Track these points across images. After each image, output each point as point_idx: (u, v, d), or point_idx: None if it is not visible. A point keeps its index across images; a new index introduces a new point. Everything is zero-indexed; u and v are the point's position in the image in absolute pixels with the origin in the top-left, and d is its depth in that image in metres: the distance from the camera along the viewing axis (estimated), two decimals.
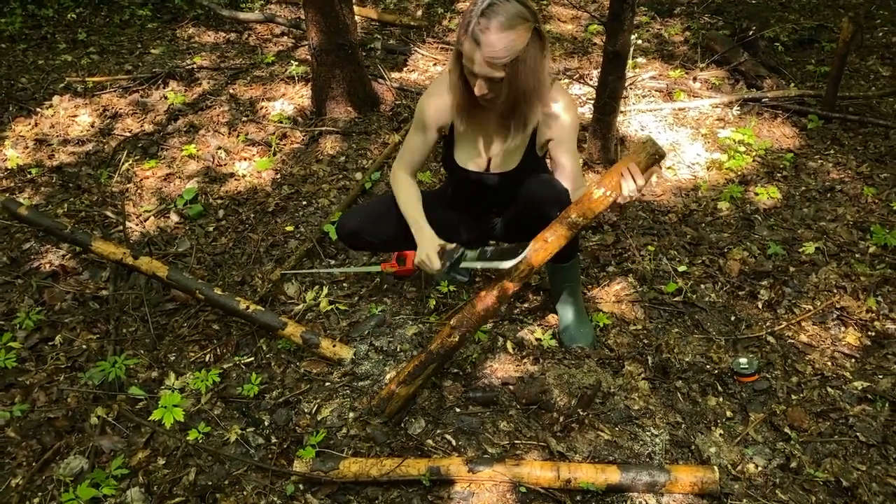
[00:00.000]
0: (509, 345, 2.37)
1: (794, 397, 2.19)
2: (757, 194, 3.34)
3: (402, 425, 2.11)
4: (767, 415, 2.12)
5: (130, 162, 3.55)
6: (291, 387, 2.27)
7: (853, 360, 2.34)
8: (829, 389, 2.21)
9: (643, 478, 1.84)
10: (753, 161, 3.61)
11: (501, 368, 2.28)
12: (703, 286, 2.69)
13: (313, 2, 3.64)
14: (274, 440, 2.09)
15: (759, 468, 1.94)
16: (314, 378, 2.30)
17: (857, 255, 2.88)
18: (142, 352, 2.45)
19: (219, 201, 3.31)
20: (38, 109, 4.10)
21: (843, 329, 2.47)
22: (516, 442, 2.04)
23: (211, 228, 3.13)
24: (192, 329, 2.53)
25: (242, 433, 2.10)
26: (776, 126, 4.15)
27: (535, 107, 2.03)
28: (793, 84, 4.71)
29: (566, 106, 2.12)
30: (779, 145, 3.87)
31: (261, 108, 4.12)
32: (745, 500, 1.85)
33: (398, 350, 2.38)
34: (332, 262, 2.90)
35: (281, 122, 3.92)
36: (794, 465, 1.95)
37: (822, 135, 4.07)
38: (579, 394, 2.17)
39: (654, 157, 1.76)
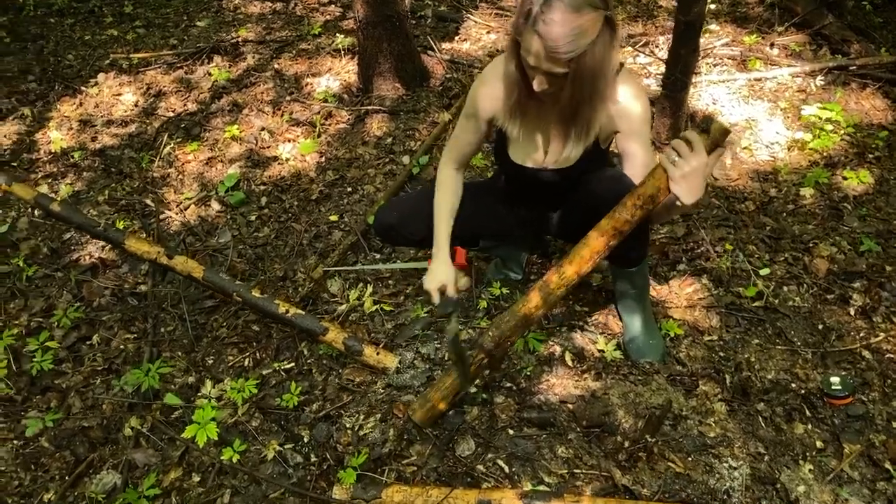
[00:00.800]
0: (568, 356, 2.16)
1: (895, 425, 1.92)
2: (846, 178, 3.01)
3: (451, 445, 1.93)
4: (865, 447, 1.86)
5: (172, 145, 3.43)
6: (332, 398, 2.13)
7: None
8: None
9: None
10: (841, 140, 3.25)
11: (559, 384, 2.08)
12: (786, 288, 2.41)
13: None
14: (313, 459, 1.96)
15: None
16: (356, 389, 2.15)
17: None
18: (179, 354, 2.34)
19: (261, 188, 3.16)
20: (84, 88, 4.02)
21: None
22: (576, 471, 1.85)
23: (253, 217, 2.99)
24: (232, 330, 2.41)
25: (280, 450, 1.97)
26: (865, 98, 3.75)
27: (599, 109, 1.79)
28: (884, 49, 4.25)
29: (635, 94, 1.86)
30: (869, 121, 3.49)
31: (306, 85, 3.94)
32: None
33: (446, 358, 2.20)
34: (378, 255, 2.73)
35: (326, 101, 3.73)
36: None
37: None
38: (647, 415, 1.95)
39: (714, 135, 1.51)
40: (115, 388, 2.19)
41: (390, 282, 2.58)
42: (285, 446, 1.99)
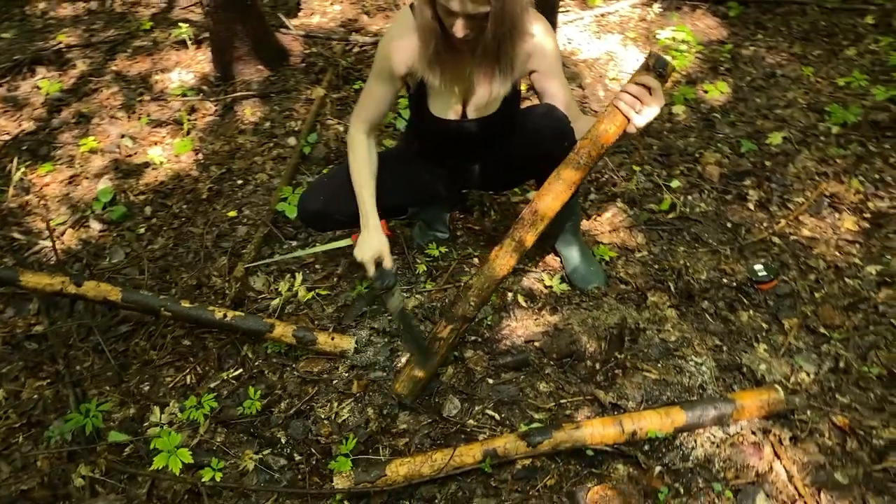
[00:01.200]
0: (521, 298, 2.19)
1: (817, 295, 2.15)
2: (706, 92, 3.26)
3: (435, 408, 1.91)
4: (801, 319, 2.06)
5: (23, 170, 3.04)
6: (297, 394, 2.02)
7: (858, 246, 2.32)
8: (847, 280, 2.19)
9: (710, 413, 1.74)
10: (695, 58, 3.51)
11: (521, 326, 2.11)
12: (690, 197, 2.60)
13: None
14: (297, 458, 1.85)
15: (812, 376, 1.89)
16: (319, 378, 2.05)
17: (822, 139, 2.86)
18: (108, 388, 2.11)
19: (141, 197, 2.90)
20: None
21: (838, 216, 2.45)
22: (562, 402, 1.90)
23: (142, 230, 2.73)
24: (161, 350, 2.20)
25: (260, 458, 1.84)
26: (698, 19, 4.08)
27: (519, 45, 1.78)
28: None
29: (546, 30, 1.89)
30: (709, 38, 3.80)
31: (156, 83, 3.63)
32: (809, 412, 1.79)
33: (398, 333, 2.16)
34: (294, 243, 2.60)
35: (185, 95, 3.47)
36: (842, 365, 1.91)
37: (744, 21, 4.03)
38: (608, 336, 2.04)
39: (660, 70, 1.58)
40: (50, 439, 1.94)
41: (317, 266, 2.48)
42: (263, 453, 1.86)
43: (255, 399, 1.99)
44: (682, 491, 1.63)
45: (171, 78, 3.64)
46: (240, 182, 2.94)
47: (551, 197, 1.73)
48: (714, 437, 1.75)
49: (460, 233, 2.54)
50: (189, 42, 3.85)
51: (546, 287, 2.24)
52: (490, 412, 1.89)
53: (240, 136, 3.19)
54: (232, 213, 2.76)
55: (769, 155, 2.79)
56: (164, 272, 2.53)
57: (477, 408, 1.90)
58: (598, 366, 1.98)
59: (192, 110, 3.39)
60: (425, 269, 2.35)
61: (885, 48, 3.55)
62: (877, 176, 2.59)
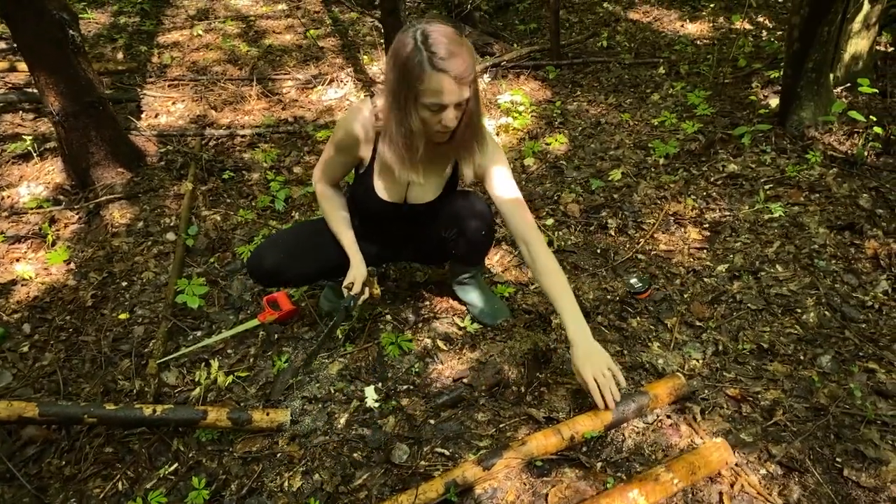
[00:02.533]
0: (440, 343, 2.35)
1: (686, 296, 2.50)
2: (548, 143, 3.69)
3: (385, 458, 1.99)
4: (678, 317, 2.40)
5: None
6: (243, 474, 2.00)
7: (705, 251, 2.74)
8: (706, 279, 2.57)
9: (631, 406, 1.98)
10: (532, 116, 3.96)
11: (447, 367, 2.26)
12: (560, 233, 2.92)
13: (44, 63, 3.12)
14: None
15: (701, 361, 2.21)
16: (262, 455, 2.05)
17: (653, 170, 3.34)
18: None
19: (15, 316, 2.73)
20: None
21: (684, 229, 2.87)
22: (501, 426, 2.05)
23: (26, 349, 2.57)
24: (83, 463, 2.08)
25: None
26: (524, 83, 4.60)
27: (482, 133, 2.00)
28: (515, 45, 5.23)
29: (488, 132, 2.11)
30: (537, 98, 4.29)
31: (4, 199, 3.45)
32: (706, 391, 2.09)
33: (333, 392, 2.23)
34: (199, 333, 2.58)
35: (42, 207, 3.33)
36: (721, 347, 2.25)
37: (562, 81, 4.60)
38: (524, 361, 2.25)
39: None
40: None
41: (229, 351, 2.48)
42: None
43: (200, 489, 1.95)
44: (625, 478, 1.83)
45: (20, 192, 3.48)
46: (124, 284, 2.87)
47: None
48: (637, 427, 1.99)
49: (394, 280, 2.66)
50: (33, 154, 3.70)
51: (460, 328, 2.41)
52: (439, 449, 1.99)
53: (113, 239, 3.12)
54: (123, 316, 2.69)
55: (615, 189, 3.21)
56: (64, 385, 2.40)
57: (425, 448, 2.00)
58: (523, 388, 2.16)
59: (52, 221, 3.26)
60: (341, 332, 2.44)
61: (680, 91, 4.22)
62: (705, 193, 3.08)
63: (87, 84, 3.29)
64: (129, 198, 3.36)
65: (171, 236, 3.11)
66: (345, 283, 2.17)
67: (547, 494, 1.81)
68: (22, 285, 2.87)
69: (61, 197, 3.42)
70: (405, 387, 2.20)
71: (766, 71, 4.21)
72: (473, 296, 2.44)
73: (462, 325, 2.42)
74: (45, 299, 2.80)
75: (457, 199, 2.20)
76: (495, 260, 2.77)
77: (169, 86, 4.87)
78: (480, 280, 2.48)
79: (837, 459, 1.82)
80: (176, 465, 2.07)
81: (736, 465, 1.82)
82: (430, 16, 5.84)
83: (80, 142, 3.36)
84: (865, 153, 3.18)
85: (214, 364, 2.36)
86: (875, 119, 3.20)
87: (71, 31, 3.20)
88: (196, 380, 2.33)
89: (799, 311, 2.37)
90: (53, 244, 3.10)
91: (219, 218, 3.23)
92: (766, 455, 1.86)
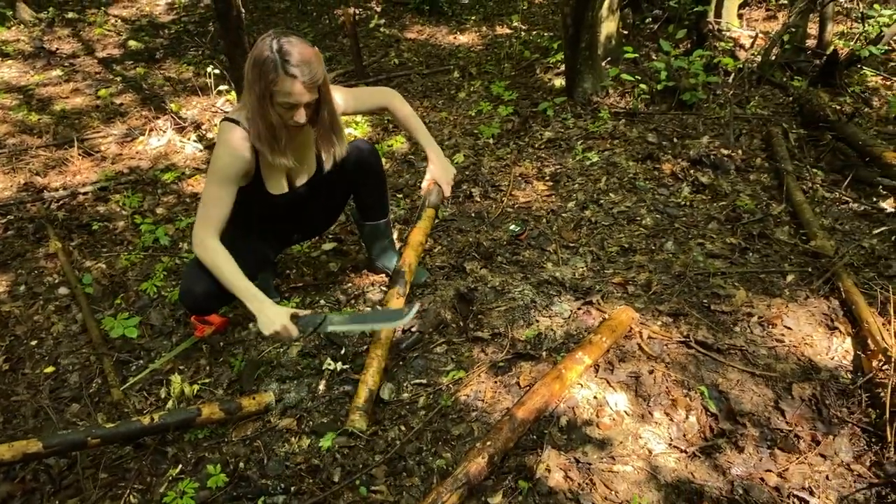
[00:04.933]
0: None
1: (554, 228, 3.11)
2: (391, 145, 4.17)
3: (378, 399, 2.30)
4: (557, 243, 2.99)
5: None
6: (250, 453, 2.19)
7: (554, 196, 3.38)
8: (564, 215, 3.21)
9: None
10: (369, 125, 4.41)
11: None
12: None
13: None
14: (294, 487, 2.06)
15: (585, 267, 2.81)
16: (261, 434, 2.26)
17: (488, 149, 3.96)
18: None
19: None
20: None
21: (532, 185, 3.50)
22: (460, 350, 2.47)
23: None
24: (76, 496, 2.12)
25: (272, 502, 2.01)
26: None
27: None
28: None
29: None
30: None
31: None
32: (598, 285, 2.69)
33: (301, 369, 2.48)
34: (140, 361, 2.67)
35: None
36: (595, 255, 2.88)
37: None
38: (454, 303, 2.69)
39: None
40: None
41: (181, 367, 2.60)
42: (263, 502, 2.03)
43: (216, 473, 2.12)
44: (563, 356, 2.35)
45: None
46: (34, 343, 2.82)
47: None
48: (560, 321, 2.52)
49: (288, 294, 2.92)
50: None
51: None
52: (416, 381, 2.36)
53: (1, 306, 3.02)
54: (49, 370, 2.67)
55: (464, 168, 3.77)
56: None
57: (405, 384, 2.36)
58: (461, 322, 2.60)
59: None
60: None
61: (480, 87, 4.94)
62: (535, 156, 3.76)
63: None
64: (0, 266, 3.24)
65: (63, 290, 3.08)
66: (267, 334, 2.16)
67: (517, 381, 2.27)
68: None
69: None
70: (364, 347, 2.52)
71: (543, 59, 5.07)
72: (393, 262, 2.82)
73: None
74: None
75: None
76: (395, 236, 3.17)
77: None
78: (394, 246, 2.86)
79: (704, 301, 2.50)
80: (180, 466, 2.20)
81: (640, 322, 2.42)
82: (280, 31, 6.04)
83: None
84: (640, 105, 4.07)
85: (176, 378, 2.49)
86: (639, 78, 4.12)
87: None
88: (162, 397, 2.44)
89: (638, 218, 3.09)
90: None
91: (104, 266, 3.26)
92: (656, 312, 2.48)
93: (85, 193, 4.04)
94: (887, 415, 1.99)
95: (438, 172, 2.62)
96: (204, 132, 4.79)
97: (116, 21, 7.81)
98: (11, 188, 4.14)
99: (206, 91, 5.35)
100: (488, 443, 1.95)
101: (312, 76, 2.06)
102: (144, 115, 5.30)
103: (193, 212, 3.73)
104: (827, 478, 1.92)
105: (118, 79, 6.24)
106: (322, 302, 2.80)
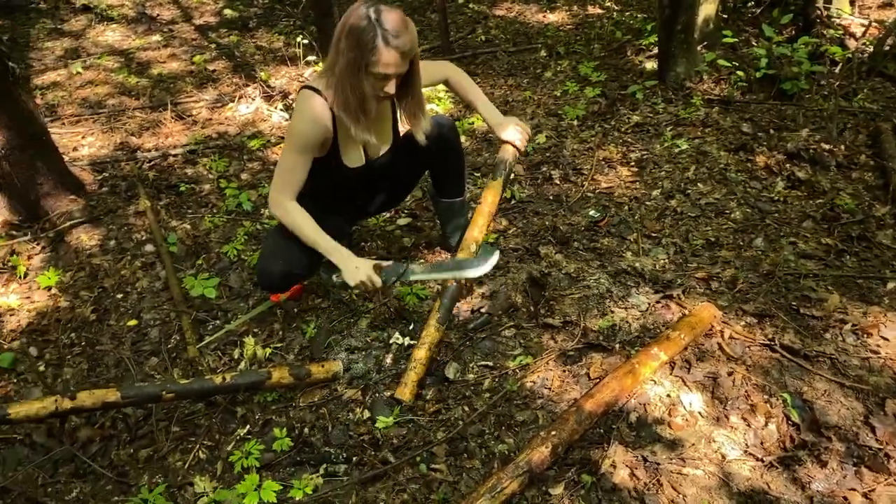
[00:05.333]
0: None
1: (636, 217, 3.00)
2: (471, 123, 4.11)
3: (441, 377, 2.29)
4: (638, 233, 2.88)
5: None
6: (315, 419, 2.23)
7: (638, 183, 3.26)
8: (647, 203, 3.09)
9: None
10: (451, 102, 4.37)
11: (463, 303, 2.59)
12: (514, 189, 3.34)
13: None
14: (355, 458, 2.08)
15: (667, 259, 2.70)
16: (327, 402, 2.29)
17: (571, 131, 3.85)
18: (119, 499, 2.07)
19: (16, 343, 2.74)
20: None
21: (615, 170, 3.39)
22: (529, 335, 2.42)
23: (42, 368, 2.61)
24: (157, 444, 2.21)
25: (323, 473, 2.03)
26: None
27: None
28: None
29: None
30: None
31: None
32: (680, 279, 2.57)
33: (370, 341, 2.49)
34: (217, 322, 2.74)
35: None
36: (678, 248, 2.76)
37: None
38: (525, 287, 2.63)
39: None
40: None
41: (256, 330, 2.66)
42: (323, 469, 2.05)
43: (282, 437, 2.16)
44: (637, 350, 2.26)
45: None
46: (120, 296, 2.94)
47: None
48: (636, 314, 2.43)
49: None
50: None
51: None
52: (482, 362, 2.33)
53: (90, 259, 3.16)
54: (132, 323, 2.78)
55: (545, 149, 3.68)
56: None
57: (471, 364, 2.33)
58: (532, 307, 2.54)
59: (13, 253, 3.24)
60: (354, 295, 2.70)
61: (567, 67, 4.80)
62: (621, 140, 3.63)
63: (30, 116, 3.30)
64: (92, 221, 3.39)
65: (149, 248, 3.20)
66: (352, 284, 2.23)
67: (587, 373, 2.20)
68: (12, 314, 2.87)
69: (14, 231, 3.38)
70: (450, 338, 2.50)
71: (635, 41, 4.88)
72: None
73: None
74: (41, 323, 2.82)
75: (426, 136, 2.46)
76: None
77: (68, 122, 4.81)
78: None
79: (793, 303, 2.36)
80: (248, 427, 2.25)
81: (722, 321, 2.30)
82: None
83: (26, 174, 3.34)
84: (735, 92, 3.86)
85: (250, 340, 2.54)
86: (737, 64, 3.91)
87: (10, 63, 3.20)
88: (235, 358, 2.51)
89: (727, 212, 2.94)
90: (25, 275, 3.09)
91: (189, 227, 3.36)
92: (740, 312, 2.36)
93: (175, 155, 4.18)
94: None
95: (510, 132, 2.59)
96: (290, 101, 4.86)
97: None
98: (108, 147, 4.32)
99: (294, 61, 5.42)
100: (553, 432, 1.91)
101: (410, 46, 2.04)
102: (235, 82, 5.43)
103: None
104: None
105: (213, 46, 6.41)
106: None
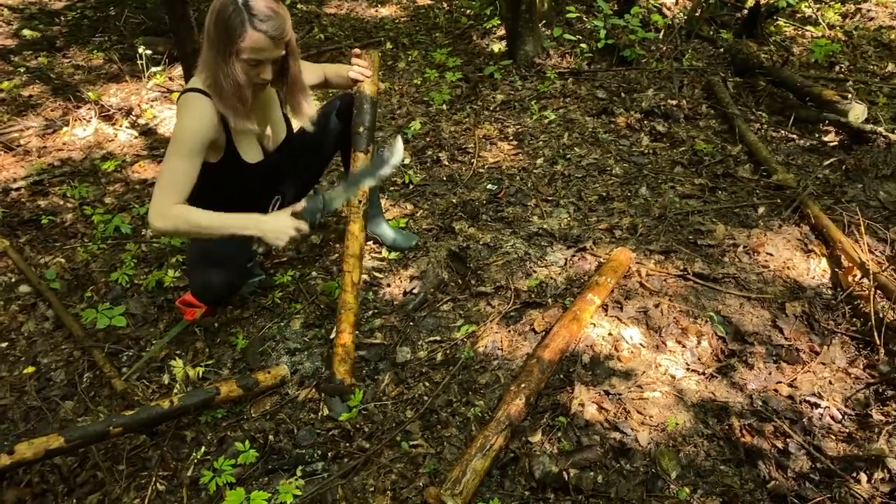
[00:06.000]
0: (376, 274, 2.69)
1: (529, 184, 3.18)
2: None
3: (392, 360, 2.31)
4: (536, 199, 3.06)
5: None
6: (275, 425, 2.16)
7: (521, 154, 3.45)
8: (535, 171, 3.28)
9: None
10: (316, 101, 4.32)
11: (394, 287, 2.62)
12: (408, 175, 3.40)
13: None
14: (332, 453, 2.05)
15: (569, 217, 2.90)
16: (282, 407, 2.23)
17: (444, 115, 3.98)
18: None
19: None
20: None
21: (497, 146, 3.56)
22: (466, 305, 2.50)
23: None
24: (96, 492, 2.02)
25: (302, 474, 1.99)
26: None
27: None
28: None
29: None
30: None
31: None
32: (584, 233, 2.78)
33: (310, 339, 2.45)
34: (130, 352, 2.55)
35: None
36: (576, 206, 2.97)
37: None
38: (448, 262, 2.71)
39: None
40: None
41: (177, 352, 2.50)
42: (301, 471, 2.00)
43: (246, 449, 2.07)
44: (572, 299, 2.43)
45: None
46: (5, 344, 2.64)
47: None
48: (557, 269, 2.60)
49: (273, 269, 2.85)
50: None
51: (382, 260, 2.77)
52: (430, 338, 2.38)
53: None
54: (30, 370, 2.51)
55: (425, 134, 3.78)
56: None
57: (419, 343, 2.37)
58: (461, 280, 2.63)
59: None
60: (279, 293, 2.63)
61: (417, 56, 4.92)
62: (493, 118, 3.81)
63: None
64: None
65: (24, 288, 2.89)
66: (283, 242, 2.12)
67: (532, 328, 2.33)
68: None
69: None
70: (370, 312, 2.51)
71: (478, 26, 5.11)
72: (383, 229, 2.81)
73: (383, 256, 2.78)
74: None
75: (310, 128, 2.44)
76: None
77: None
78: (379, 207, 2.83)
79: (689, 237, 2.65)
80: (203, 448, 2.13)
81: (636, 262, 2.53)
82: None
83: None
84: (583, 63, 4.19)
85: (178, 363, 2.39)
86: (580, 38, 4.24)
87: None
88: (165, 384, 2.36)
89: (608, 169, 3.20)
90: None
91: (63, 260, 3.07)
92: (648, 252, 2.61)
93: (18, 189, 3.78)
94: (873, 321, 2.18)
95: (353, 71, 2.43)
96: (135, 118, 4.55)
97: (2, 10, 7.24)
98: None
99: (132, 75, 5.08)
100: (522, 385, 2.01)
101: (280, 31, 1.97)
102: (60, 106, 4.98)
103: (145, 199, 3.56)
104: (830, 382, 2.10)
105: (21, 69, 5.81)
106: (314, 274, 2.75)
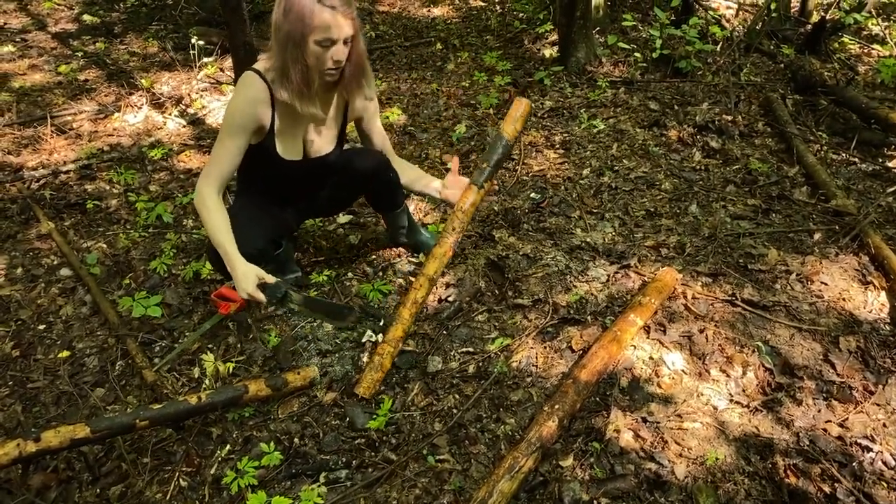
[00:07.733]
0: (412, 279, 2.64)
1: (575, 195, 3.10)
2: (387, 117, 4.08)
3: (422, 370, 2.26)
4: (580, 210, 2.98)
5: None
6: (300, 430, 2.13)
7: (566, 164, 3.37)
8: (581, 181, 3.20)
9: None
10: None
11: (431, 294, 2.55)
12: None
13: None
14: (356, 462, 2.01)
15: (614, 231, 2.81)
16: (309, 410, 2.19)
17: (489, 120, 3.91)
18: None
19: None
20: None
21: (543, 154, 3.48)
22: (501, 317, 2.44)
23: None
24: (120, 483, 2.02)
25: (325, 481, 1.95)
26: None
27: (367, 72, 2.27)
28: None
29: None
30: None
31: None
32: (629, 249, 2.69)
33: (342, 341, 2.41)
34: (164, 342, 2.55)
35: None
36: (621, 220, 2.88)
37: None
38: (486, 271, 2.65)
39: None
40: None
41: (209, 346, 2.49)
42: (324, 477, 1.97)
43: (270, 450, 2.04)
44: (612, 318, 2.34)
45: None
46: (42, 327, 2.67)
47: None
48: (599, 286, 2.51)
49: (310, 268, 2.83)
50: None
51: (419, 265, 2.72)
52: (463, 349, 2.32)
53: None
54: (64, 354, 2.53)
55: (468, 138, 3.72)
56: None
57: (451, 353, 2.32)
58: (497, 290, 2.57)
59: None
60: (315, 291, 2.60)
61: (467, 58, 4.87)
62: (541, 125, 3.74)
63: None
64: None
65: (65, 272, 2.92)
66: (248, 292, 2.18)
67: (569, 346, 2.25)
68: None
69: None
70: (414, 332, 2.46)
71: (530, 30, 5.03)
72: (417, 238, 2.76)
73: (420, 261, 2.73)
74: None
75: (351, 155, 2.48)
76: (412, 209, 3.10)
77: None
78: (415, 223, 2.79)
79: (739, 261, 2.53)
80: (227, 447, 2.11)
81: (682, 283, 2.43)
82: None
83: None
84: (636, 73, 4.08)
85: (209, 357, 2.38)
86: (634, 47, 4.13)
87: None
88: (195, 377, 2.34)
89: (657, 183, 3.10)
90: None
91: (105, 245, 3.10)
92: (695, 273, 2.50)
93: (67, 172, 3.84)
94: None
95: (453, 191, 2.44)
96: (184, 107, 4.59)
97: None
98: None
99: (184, 65, 5.13)
100: (556, 406, 1.94)
101: (348, 5, 1.99)
102: (114, 92, 5.06)
103: (189, 188, 3.59)
104: (884, 425, 1.97)
105: (78, 54, 5.94)
106: (350, 275, 2.72)
